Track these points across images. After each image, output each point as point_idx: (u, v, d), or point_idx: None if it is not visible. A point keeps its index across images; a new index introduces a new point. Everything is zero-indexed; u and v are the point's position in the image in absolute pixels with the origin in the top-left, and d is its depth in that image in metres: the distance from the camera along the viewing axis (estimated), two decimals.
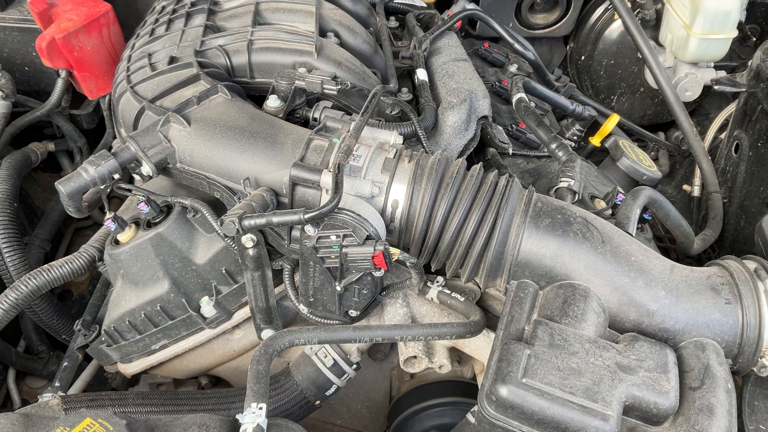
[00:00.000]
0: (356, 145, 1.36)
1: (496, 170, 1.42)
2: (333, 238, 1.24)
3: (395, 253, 1.27)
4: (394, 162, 1.34)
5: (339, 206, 1.25)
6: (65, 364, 1.74)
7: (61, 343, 2.15)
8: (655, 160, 2.82)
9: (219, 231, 1.41)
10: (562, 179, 1.47)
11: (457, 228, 1.30)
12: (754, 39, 2.92)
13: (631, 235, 1.37)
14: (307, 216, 1.20)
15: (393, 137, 1.41)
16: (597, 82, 2.86)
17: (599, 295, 1.24)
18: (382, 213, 1.32)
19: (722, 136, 2.48)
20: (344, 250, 1.24)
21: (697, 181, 2.41)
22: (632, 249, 1.28)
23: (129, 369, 1.64)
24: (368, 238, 1.24)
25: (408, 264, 1.34)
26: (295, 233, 1.37)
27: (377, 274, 1.30)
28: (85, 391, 1.82)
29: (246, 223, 1.23)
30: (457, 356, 1.68)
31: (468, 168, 1.39)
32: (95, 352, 1.66)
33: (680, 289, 1.24)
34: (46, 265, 1.57)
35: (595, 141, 2.11)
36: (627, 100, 2.89)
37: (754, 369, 1.25)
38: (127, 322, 1.55)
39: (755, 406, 1.32)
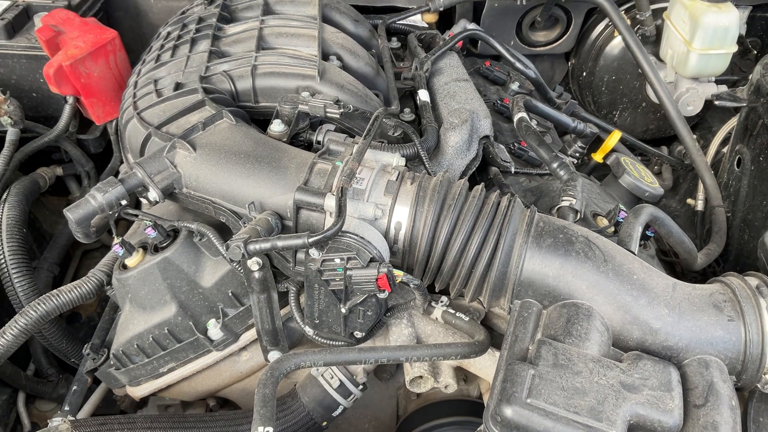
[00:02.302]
0: (359, 167, 1.37)
1: (499, 190, 1.44)
2: (337, 261, 1.26)
3: (399, 275, 1.29)
4: (397, 184, 1.36)
5: (343, 229, 1.26)
6: (74, 388, 1.75)
7: (70, 366, 2.17)
8: (659, 174, 2.82)
9: (225, 255, 1.43)
10: (564, 198, 1.49)
11: (460, 249, 1.31)
12: (755, 52, 2.93)
13: (634, 253, 1.38)
14: (311, 240, 1.22)
15: (396, 159, 1.43)
16: (599, 98, 2.88)
17: (602, 313, 1.25)
18: (386, 235, 1.33)
19: (725, 149, 2.49)
20: (348, 272, 1.26)
21: (700, 195, 2.41)
22: (634, 267, 1.29)
23: (137, 392, 1.65)
24: (372, 260, 1.26)
25: (411, 286, 1.35)
26: (300, 256, 1.38)
27: (381, 296, 1.31)
28: (94, 413, 1.83)
29: (251, 247, 1.24)
30: (464, 375, 1.69)
31: (470, 188, 1.41)
32: (104, 376, 1.68)
33: (683, 306, 1.25)
34: (54, 291, 1.59)
35: (598, 157, 2.12)
36: (629, 115, 2.90)
37: (758, 385, 1.25)
38: (136, 346, 1.56)
39: (761, 422, 1.32)
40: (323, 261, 1.27)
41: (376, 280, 1.25)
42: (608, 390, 1.11)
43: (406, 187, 1.36)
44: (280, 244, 1.24)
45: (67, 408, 1.72)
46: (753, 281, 1.30)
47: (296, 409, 1.50)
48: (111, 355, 1.62)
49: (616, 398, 1.09)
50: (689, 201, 2.56)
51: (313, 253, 1.28)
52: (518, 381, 1.10)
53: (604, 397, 1.09)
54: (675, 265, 2.34)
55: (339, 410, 1.52)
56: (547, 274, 1.28)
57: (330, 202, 1.29)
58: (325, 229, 1.23)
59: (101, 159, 2.46)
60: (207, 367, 1.60)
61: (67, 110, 2.16)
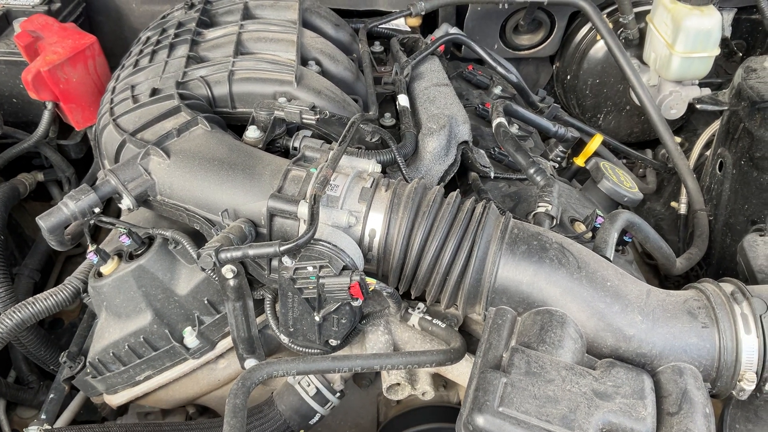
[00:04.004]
0: (334, 174, 1.37)
1: (474, 196, 1.43)
2: (310, 269, 1.25)
3: (371, 283, 1.28)
4: (371, 191, 1.35)
5: (316, 237, 1.25)
6: (51, 396, 1.74)
7: (51, 374, 2.15)
8: (643, 177, 2.82)
9: (197, 263, 1.42)
10: (540, 204, 1.48)
11: (434, 256, 1.30)
12: (740, 54, 2.94)
13: (609, 259, 1.37)
14: (282, 248, 1.21)
15: (371, 165, 1.42)
16: (583, 101, 2.88)
17: (576, 320, 1.24)
18: (360, 242, 1.33)
19: (708, 153, 2.49)
20: (321, 280, 1.25)
21: (683, 198, 2.41)
22: (608, 274, 1.28)
23: (114, 400, 1.64)
24: (345, 268, 1.25)
25: (385, 293, 1.34)
26: (275, 263, 1.38)
27: (355, 303, 1.30)
28: (74, 420, 1.82)
29: (222, 256, 1.24)
30: (443, 381, 1.68)
31: (446, 194, 1.40)
32: (81, 384, 1.67)
33: (656, 313, 1.24)
34: (30, 298, 1.58)
35: (579, 161, 2.11)
36: (614, 118, 2.90)
37: (733, 392, 1.24)
38: (111, 354, 1.55)
39: (736, 428, 1.32)
40: (296, 269, 1.26)
41: (349, 288, 1.24)
42: (580, 398, 1.10)
43: (380, 193, 1.35)
44: (251, 252, 1.23)
45: (43, 416, 1.71)
46: (728, 288, 1.29)
47: (273, 417, 1.49)
48: (87, 363, 1.60)
49: (589, 406, 1.09)
50: (673, 204, 2.57)
51: (286, 261, 1.27)
52: (490, 389, 1.10)
53: (576, 405, 1.09)
54: (659, 269, 2.34)
55: (316, 418, 1.51)
56: (521, 281, 1.28)
57: (303, 210, 1.28)
58: (297, 237, 1.22)
59: (83, 164, 2.45)
60: (184, 375, 1.58)
61: (46, 116, 2.14)
